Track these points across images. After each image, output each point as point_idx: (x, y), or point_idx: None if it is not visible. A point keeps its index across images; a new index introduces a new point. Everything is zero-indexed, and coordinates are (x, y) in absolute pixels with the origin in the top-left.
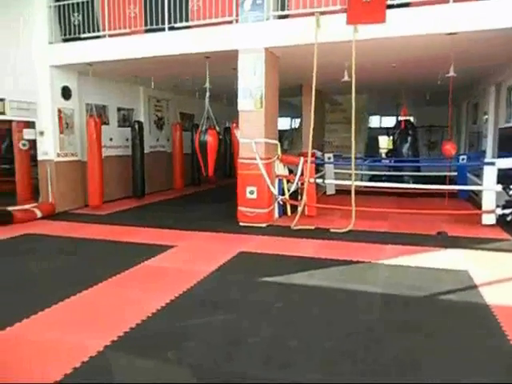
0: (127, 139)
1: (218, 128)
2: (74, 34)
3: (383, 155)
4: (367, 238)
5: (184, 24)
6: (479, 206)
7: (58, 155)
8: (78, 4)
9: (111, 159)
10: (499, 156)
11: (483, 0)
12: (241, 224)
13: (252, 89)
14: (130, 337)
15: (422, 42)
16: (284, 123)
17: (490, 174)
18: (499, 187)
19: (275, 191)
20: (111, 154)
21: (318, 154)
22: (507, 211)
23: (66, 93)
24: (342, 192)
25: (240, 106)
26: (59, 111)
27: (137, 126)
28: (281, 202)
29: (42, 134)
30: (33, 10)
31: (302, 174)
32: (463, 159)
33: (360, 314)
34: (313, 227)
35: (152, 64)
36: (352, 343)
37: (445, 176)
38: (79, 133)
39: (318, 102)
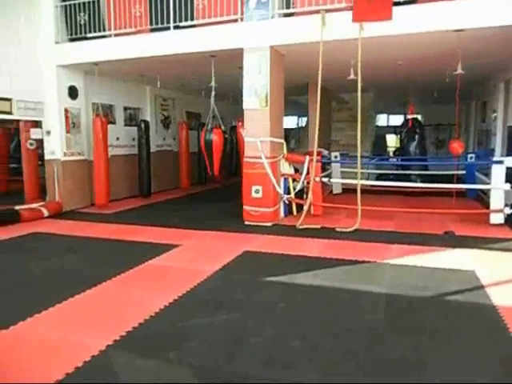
0: (133, 138)
1: (223, 127)
2: (80, 33)
3: (391, 154)
4: (373, 237)
5: (189, 23)
6: (487, 205)
7: (65, 154)
8: (84, 4)
9: (118, 158)
10: (508, 154)
11: None
12: (246, 223)
13: (257, 87)
14: (133, 336)
15: (428, 39)
16: (291, 122)
17: (498, 173)
18: (508, 186)
19: (281, 190)
20: (118, 153)
21: (325, 152)
22: None
23: (73, 92)
24: (349, 191)
25: (245, 105)
26: (66, 111)
27: (143, 125)
28: (286, 201)
29: (48, 133)
30: (39, 10)
31: (307, 173)
32: (471, 158)
33: (364, 314)
34: (318, 226)
35: (158, 63)
36: (355, 344)
37: (452, 175)
38: (86, 132)
39: (325, 101)
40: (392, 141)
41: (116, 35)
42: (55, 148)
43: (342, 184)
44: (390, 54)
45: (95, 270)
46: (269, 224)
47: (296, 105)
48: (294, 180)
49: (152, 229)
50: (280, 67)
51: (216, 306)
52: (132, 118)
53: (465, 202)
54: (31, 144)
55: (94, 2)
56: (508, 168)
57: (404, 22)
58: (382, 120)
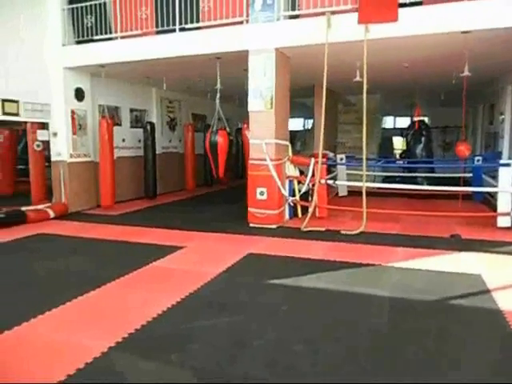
0: (139, 140)
1: (228, 129)
2: (87, 36)
3: (397, 156)
4: (378, 240)
5: (195, 25)
6: (494, 209)
7: (71, 156)
8: (90, 6)
9: (123, 160)
10: None
11: None
12: (251, 225)
13: (262, 89)
14: (135, 338)
15: (434, 41)
16: (297, 124)
17: (505, 176)
18: None
19: (286, 192)
20: (124, 154)
21: (330, 154)
22: None
23: (79, 94)
24: (355, 193)
25: (250, 107)
26: (72, 112)
27: (149, 127)
28: (291, 204)
29: (55, 135)
30: (46, 13)
31: (313, 175)
32: (478, 160)
33: (368, 317)
34: (323, 229)
35: (163, 65)
36: (358, 347)
37: (459, 177)
38: (92, 134)
39: (331, 103)
40: (399, 143)
41: (122, 37)
42: (61, 149)
43: (348, 186)
44: (396, 55)
45: (99, 271)
46: (273, 226)
47: (302, 107)
48: (299, 182)
49: (157, 230)
50: (285, 69)
51: (219, 308)
52: (138, 120)
53: (472, 205)
54: (38, 145)
55: (100, 5)
56: None
57: (410, 24)
58: (388, 122)
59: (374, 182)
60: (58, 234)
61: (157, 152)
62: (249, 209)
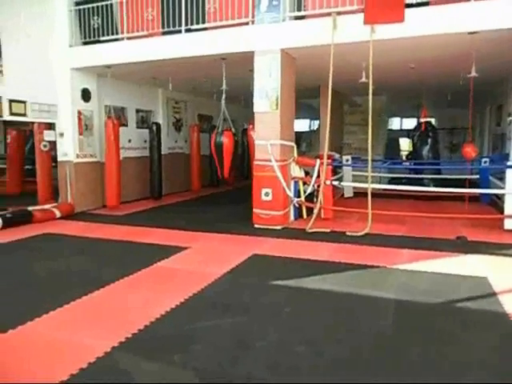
0: (145, 141)
1: (233, 130)
2: (94, 37)
3: (403, 157)
4: (384, 241)
5: (201, 26)
6: (501, 211)
7: (78, 156)
8: (97, 7)
9: (129, 160)
10: None
11: None
12: (256, 226)
13: (268, 90)
14: (138, 338)
15: (441, 42)
16: (303, 125)
17: None
18: None
19: (291, 193)
20: (130, 155)
21: (336, 156)
22: None
23: (86, 95)
24: (360, 194)
25: (255, 108)
26: (79, 113)
27: (155, 128)
28: (296, 205)
29: (61, 135)
30: (53, 14)
31: (318, 176)
32: (485, 162)
33: (372, 320)
34: (328, 230)
35: (169, 66)
36: (361, 350)
37: (465, 179)
38: (98, 134)
39: (337, 104)
40: (405, 144)
41: (128, 38)
42: (68, 150)
43: (354, 187)
44: (402, 56)
45: (104, 271)
46: (278, 227)
47: (308, 108)
48: (304, 183)
49: (162, 231)
50: (291, 70)
51: (223, 308)
52: (144, 121)
53: (478, 207)
54: (45, 146)
55: (107, 6)
56: None
57: (416, 25)
58: (395, 123)
59: (380, 183)
60: (63, 234)
61: (162, 153)
62: (254, 210)
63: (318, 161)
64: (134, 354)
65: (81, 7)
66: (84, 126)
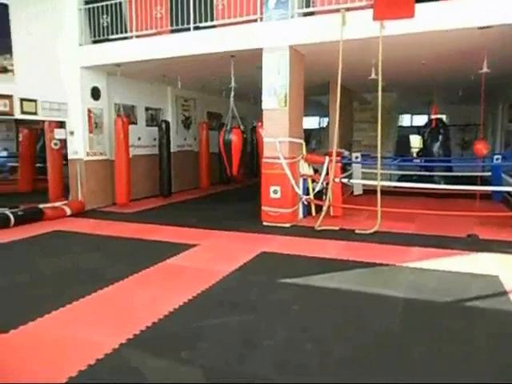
0: (155, 138)
1: (242, 127)
2: (103, 35)
3: (414, 154)
4: (393, 239)
5: (209, 23)
6: None
7: (88, 154)
8: (106, 6)
9: (139, 158)
10: None
11: None
12: (264, 224)
13: (276, 87)
14: (146, 336)
15: (452, 37)
16: (312, 122)
17: None
18: None
19: (299, 191)
20: (139, 153)
21: (345, 153)
22: None
23: (96, 93)
24: (370, 192)
25: (264, 105)
26: (89, 111)
27: (164, 126)
28: (305, 202)
29: (72, 133)
30: (63, 13)
31: (327, 174)
32: (498, 159)
33: (380, 318)
34: (337, 228)
35: (178, 64)
36: (369, 348)
37: (476, 176)
38: (108, 132)
39: (347, 101)
40: (416, 141)
41: (138, 37)
42: (78, 148)
43: (364, 185)
44: (412, 52)
45: (113, 268)
46: (287, 225)
47: (318, 105)
48: (313, 181)
49: (171, 228)
50: (300, 67)
51: (230, 306)
52: (153, 119)
53: (490, 205)
54: (55, 144)
55: (116, 5)
56: None
57: (426, 20)
58: (405, 120)
59: (390, 180)
60: (73, 232)
61: (172, 150)
62: (262, 207)
63: (327, 158)
64: (142, 350)
65: (90, 6)
66: (94, 124)
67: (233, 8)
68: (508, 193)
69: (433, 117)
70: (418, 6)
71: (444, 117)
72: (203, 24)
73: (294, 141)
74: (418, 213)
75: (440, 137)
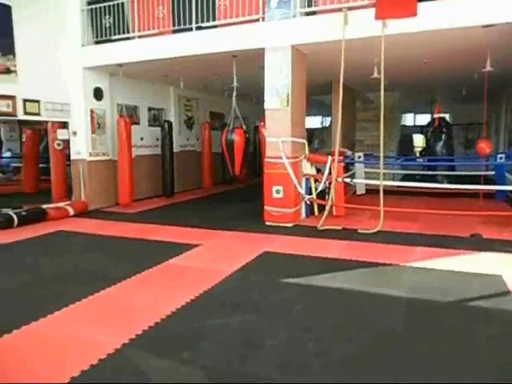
0: (157, 139)
1: (245, 127)
2: (106, 36)
3: (417, 154)
4: (396, 239)
5: (211, 23)
6: None
7: (90, 154)
8: (109, 7)
9: (142, 158)
10: None
11: None
12: (267, 223)
13: (278, 87)
14: (148, 336)
15: (455, 36)
16: (315, 122)
17: None
18: None
19: (302, 191)
20: (142, 153)
21: (348, 152)
22: None
23: (98, 93)
24: (373, 192)
25: (266, 105)
26: (91, 111)
27: (166, 126)
28: (308, 202)
29: (75, 133)
30: (65, 14)
31: (330, 174)
32: (501, 158)
33: (383, 318)
34: (339, 228)
35: (180, 64)
36: (371, 348)
37: (480, 175)
38: (110, 132)
39: (349, 100)
40: (419, 141)
41: (140, 37)
42: (81, 148)
43: (366, 185)
44: (415, 51)
45: (116, 268)
46: (290, 225)
47: (320, 105)
48: (316, 180)
49: (173, 228)
50: (302, 66)
51: (233, 306)
52: (156, 119)
53: (493, 204)
54: (58, 144)
55: (118, 5)
56: None
57: (429, 19)
58: (408, 119)
59: (393, 180)
60: (76, 232)
61: (174, 150)
62: (265, 207)
63: (330, 158)
64: (145, 351)
65: (93, 6)
66: (96, 124)
67: (235, 8)
68: None
69: (436, 116)
70: (421, 5)
71: (447, 116)
72: (205, 24)
73: (296, 140)
74: (421, 212)
75: (443, 136)
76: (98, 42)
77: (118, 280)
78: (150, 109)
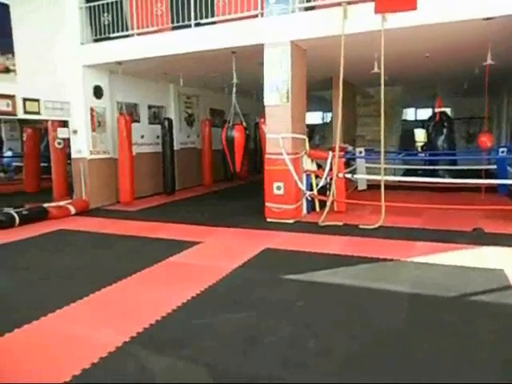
0: (158, 136)
1: (245, 123)
2: (105, 33)
3: (419, 149)
4: (397, 234)
5: (210, 20)
6: None
7: (91, 153)
8: (107, 4)
9: (142, 156)
10: None
11: None
12: (268, 220)
13: (278, 83)
14: (150, 333)
15: (456, 29)
16: (316, 118)
17: None
18: None
19: (303, 187)
20: (142, 151)
21: (349, 148)
22: None
23: (98, 92)
24: (374, 187)
25: (266, 101)
26: (91, 110)
27: (167, 123)
28: (309, 198)
29: (75, 132)
30: (64, 12)
31: (330, 169)
32: (503, 152)
33: (384, 314)
34: (341, 223)
35: (180, 61)
36: (373, 345)
37: (481, 169)
38: (111, 131)
39: (350, 95)
40: (420, 135)
41: (139, 34)
42: (81, 147)
43: (368, 180)
44: (416, 45)
45: (117, 266)
46: (291, 221)
47: (320, 100)
48: (316, 176)
49: (175, 226)
50: (302, 62)
51: (234, 303)
52: (156, 116)
53: (495, 198)
54: (59, 143)
55: (117, 3)
56: None
57: (429, 12)
58: (410, 114)
59: (394, 175)
60: (78, 230)
61: (175, 148)
62: (266, 203)
63: (331, 153)
64: (146, 348)
65: (91, 4)
66: (97, 122)
67: (233, 4)
68: None
69: (437, 110)
70: None
71: (448, 110)
72: (204, 20)
73: (296, 136)
74: (423, 207)
75: (444, 130)
76: (96, 40)
77: (119, 278)
78: (150, 106)
